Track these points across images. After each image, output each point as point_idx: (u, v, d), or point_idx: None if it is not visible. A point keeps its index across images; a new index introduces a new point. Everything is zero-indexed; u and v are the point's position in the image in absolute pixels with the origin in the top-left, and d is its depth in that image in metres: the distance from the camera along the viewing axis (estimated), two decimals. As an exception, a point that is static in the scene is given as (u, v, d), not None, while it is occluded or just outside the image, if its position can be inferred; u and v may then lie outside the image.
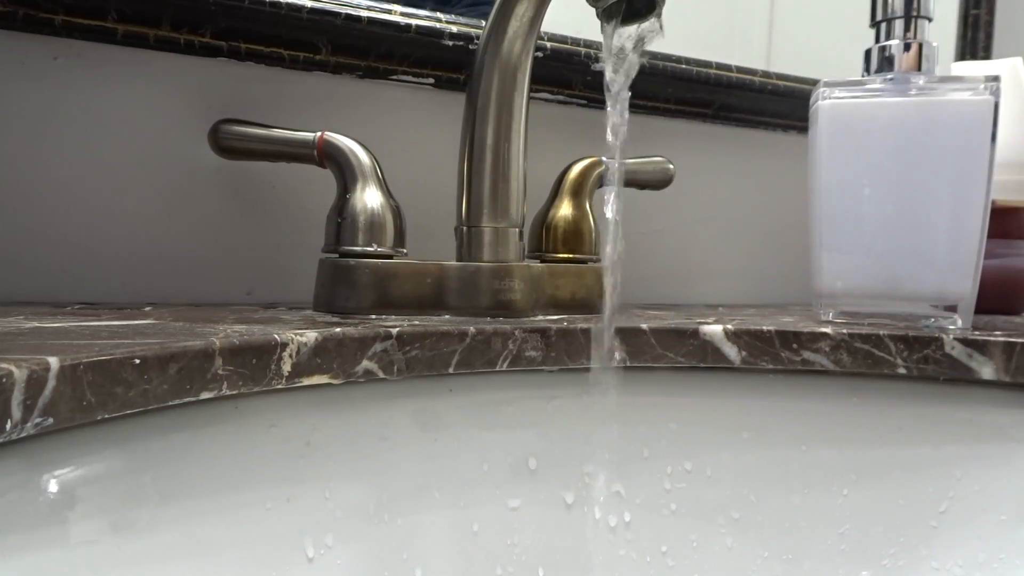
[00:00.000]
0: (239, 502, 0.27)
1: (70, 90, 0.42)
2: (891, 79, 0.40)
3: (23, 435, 0.20)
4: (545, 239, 0.44)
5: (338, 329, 0.30)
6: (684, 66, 0.57)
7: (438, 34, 0.48)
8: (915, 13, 0.41)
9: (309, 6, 0.45)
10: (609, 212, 0.36)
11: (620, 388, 0.36)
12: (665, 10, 0.35)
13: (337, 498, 0.30)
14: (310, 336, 0.29)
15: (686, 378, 0.37)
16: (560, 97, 0.54)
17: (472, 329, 0.33)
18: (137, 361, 0.23)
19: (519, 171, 0.40)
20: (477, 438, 0.34)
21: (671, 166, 0.51)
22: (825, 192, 0.41)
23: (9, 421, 0.20)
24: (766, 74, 0.61)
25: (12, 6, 0.39)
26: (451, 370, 0.33)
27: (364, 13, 0.46)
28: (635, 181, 0.50)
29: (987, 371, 0.35)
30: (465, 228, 0.40)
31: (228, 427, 0.27)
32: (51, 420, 0.21)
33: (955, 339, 0.35)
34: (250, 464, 0.28)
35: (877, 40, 0.42)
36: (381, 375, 0.31)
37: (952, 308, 0.40)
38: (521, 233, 0.40)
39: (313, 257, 0.41)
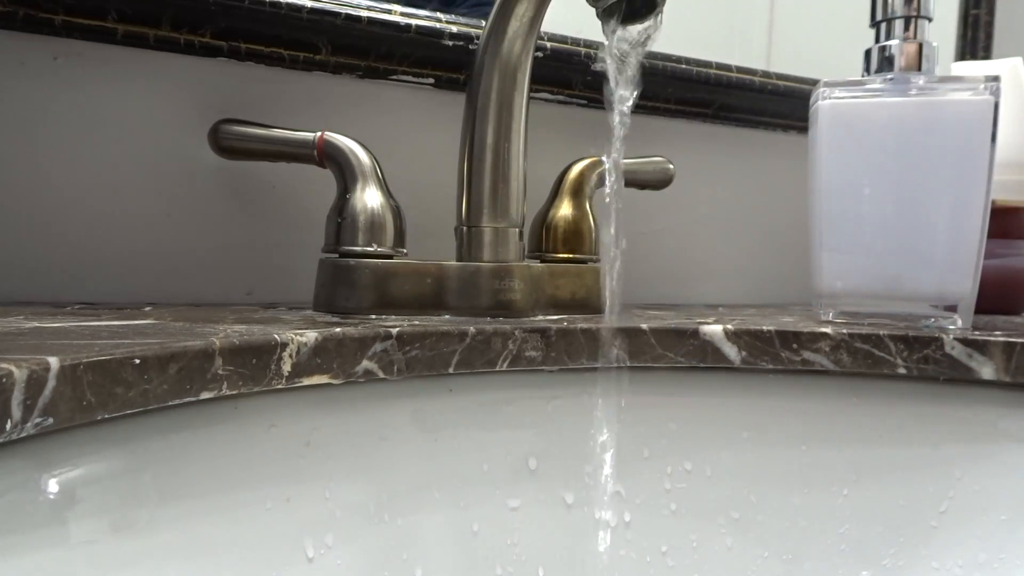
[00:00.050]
0: (239, 502, 0.27)
1: (70, 90, 0.42)
2: (891, 79, 0.40)
3: (23, 435, 0.20)
4: (545, 239, 0.44)
5: (338, 329, 0.30)
6: (684, 66, 0.57)
7: (438, 34, 0.48)
8: (915, 13, 0.41)
9: (309, 6, 0.45)
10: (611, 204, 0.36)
11: (620, 388, 0.36)
12: (665, 10, 0.35)
13: (337, 498, 0.30)
14: (310, 336, 0.29)
15: (686, 378, 0.37)
16: (560, 97, 0.54)
17: (472, 329, 0.33)
18: (137, 361, 0.23)
19: (519, 171, 0.40)
20: (477, 438, 0.34)
21: (671, 166, 0.51)
22: (825, 192, 0.41)
23: (9, 421, 0.20)
24: (766, 74, 0.61)
25: (12, 6, 0.39)
26: (451, 370, 0.33)
27: (364, 13, 0.46)
28: (635, 181, 0.50)
29: (987, 371, 0.35)
30: (465, 228, 0.40)
31: (228, 427, 0.27)
32: (51, 420, 0.21)
33: (955, 339, 0.35)
34: (250, 464, 0.28)
35: (877, 40, 0.42)
36: (381, 375, 0.31)
37: (952, 308, 0.40)
38: (521, 233, 0.40)
39: (313, 257, 0.41)
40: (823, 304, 0.42)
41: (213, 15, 0.43)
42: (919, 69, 0.40)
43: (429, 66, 0.49)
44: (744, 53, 0.64)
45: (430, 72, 0.49)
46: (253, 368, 0.27)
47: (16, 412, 0.20)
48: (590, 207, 0.45)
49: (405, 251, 0.40)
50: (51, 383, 0.20)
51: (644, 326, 0.36)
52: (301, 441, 0.30)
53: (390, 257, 0.39)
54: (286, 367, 0.28)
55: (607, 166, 0.36)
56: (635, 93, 0.36)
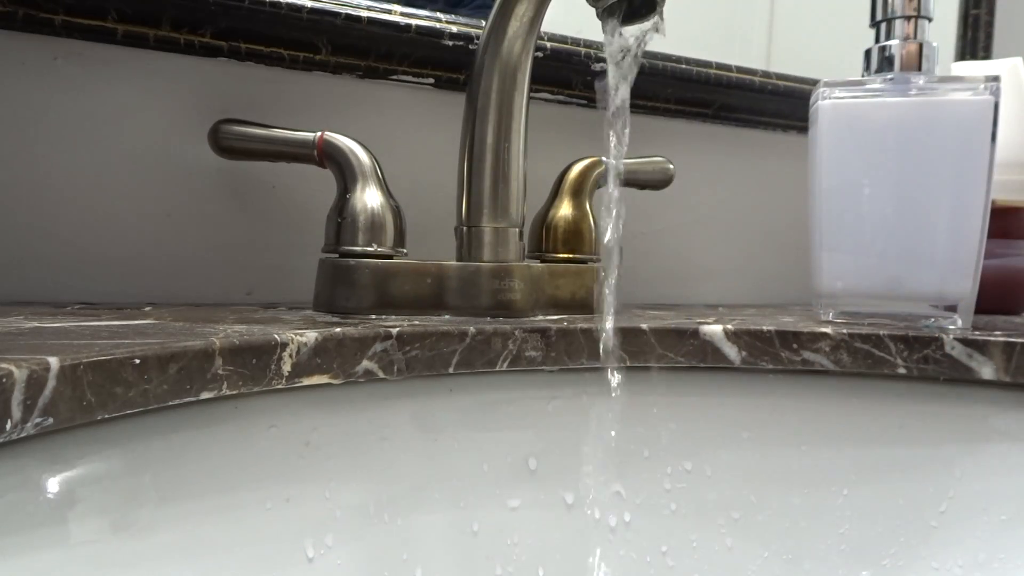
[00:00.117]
0: (239, 502, 0.27)
1: (70, 90, 0.42)
2: (891, 79, 0.40)
3: (23, 435, 0.20)
4: (545, 239, 0.44)
5: (338, 329, 0.30)
6: (684, 66, 0.57)
7: (438, 34, 0.48)
8: (915, 13, 0.41)
9: (309, 6, 0.45)
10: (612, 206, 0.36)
11: (620, 388, 0.36)
12: (665, 10, 0.35)
13: (337, 498, 0.30)
14: (310, 336, 0.29)
15: (686, 378, 0.37)
16: (560, 97, 0.54)
17: (472, 329, 0.33)
18: (137, 361, 0.23)
19: (519, 171, 0.40)
20: (477, 438, 0.34)
21: (671, 166, 0.51)
22: (825, 192, 0.41)
23: (9, 421, 0.20)
24: (766, 74, 0.61)
25: (12, 6, 0.39)
26: (451, 370, 0.33)
27: (364, 13, 0.46)
28: (635, 181, 0.50)
29: (987, 371, 0.35)
30: (465, 228, 0.40)
31: (228, 427, 0.27)
32: (51, 420, 0.21)
33: (955, 339, 0.35)
34: (250, 464, 0.28)
35: (877, 40, 0.42)
36: (381, 375, 0.31)
37: (952, 308, 0.40)
38: (521, 233, 0.40)
39: (313, 257, 0.41)
40: (823, 304, 0.42)
41: (213, 15, 0.43)
42: (919, 69, 0.40)
43: (429, 66, 0.49)
44: (744, 53, 0.64)
45: (430, 72, 0.49)
46: (253, 368, 0.27)
47: (16, 412, 0.20)
48: (590, 207, 0.45)
49: (405, 251, 0.40)
50: (51, 383, 0.20)
51: (644, 326, 0.36)
52: (301, 441, 0.30)
53: (390, 257, 0.39)
54: (286, 367, 0.28)
55: (609, 163, 0.36)
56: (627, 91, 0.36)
